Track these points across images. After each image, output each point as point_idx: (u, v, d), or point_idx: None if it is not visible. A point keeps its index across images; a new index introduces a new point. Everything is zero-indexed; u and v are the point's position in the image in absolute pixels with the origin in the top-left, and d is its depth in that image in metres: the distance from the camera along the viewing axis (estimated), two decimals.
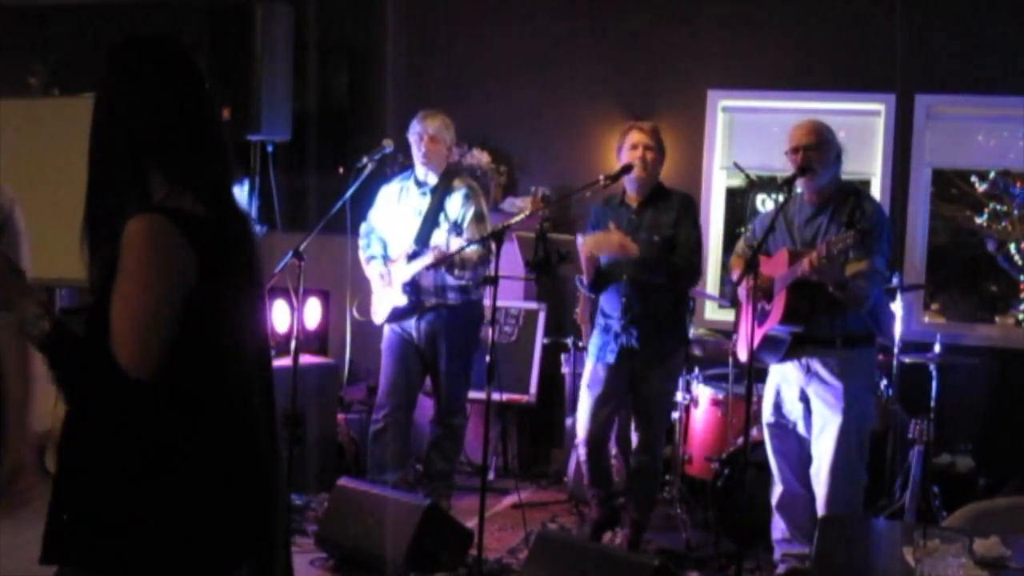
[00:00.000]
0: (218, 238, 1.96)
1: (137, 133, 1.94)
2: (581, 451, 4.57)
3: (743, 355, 4.27)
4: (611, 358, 4.40)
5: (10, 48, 6.88)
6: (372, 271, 4.96)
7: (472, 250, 4.68)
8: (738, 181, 6.40)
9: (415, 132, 4.85)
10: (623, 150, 4.43)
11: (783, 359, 4.14)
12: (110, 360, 1.83)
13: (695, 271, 4.43)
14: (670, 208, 4.41)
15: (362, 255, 5.03)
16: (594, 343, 4.48)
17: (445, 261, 4.62)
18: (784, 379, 4.20)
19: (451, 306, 4.84)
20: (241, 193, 2.06)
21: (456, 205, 4.81)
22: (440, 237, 4.76)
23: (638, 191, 4.45)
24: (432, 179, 4.87)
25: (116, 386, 1.84)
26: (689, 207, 4.47)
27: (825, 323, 4.00)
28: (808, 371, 4.09)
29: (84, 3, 6.75)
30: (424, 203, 4.86)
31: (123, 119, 1.94)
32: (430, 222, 4.82)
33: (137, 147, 1.94)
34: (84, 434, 1.90)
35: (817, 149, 4.03)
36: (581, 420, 4.52)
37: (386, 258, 4.95)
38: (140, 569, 1.88)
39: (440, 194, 4.84)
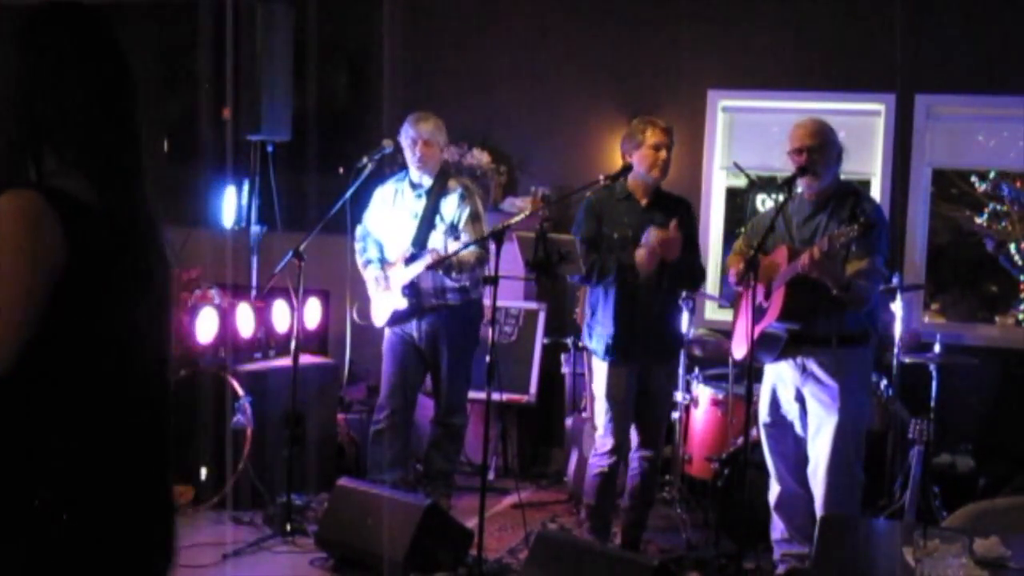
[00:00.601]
0: (102, 229, 1.76)
1: (35, 111, 1.76)
2: (604, 463, 4.32)
3: (738, 353, 4.26)
4: (623, 359, 4.30)
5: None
6: (369, 275, 4.96)
7: (469, 252, 4.67)
8: (738, 181, 6.40)
9: (408, 136, 4.82)
10: (641, 148, 4.25)
11: (778, 358, 4.14)
12: None
13: (705, 275, 4.71)
14: (676, 212, 4.33)
15: (359, 259, 5.03)
16: (602, 345, 4.32)
17: (442, 264, 4.62)
18: (780, 379, 4.20)
19: (451, 307, 4.84)
20: (144, 187, 1.89)
21: (452, 206, 4.81)
22: (437, 239, 4.76)
23: (647, 190, 4.34)
24: (427, 181, 4.87)
25: None
26: (692, 212, 4.52)
27: (822, 322, 4.00)
28: (804, 370, 4.08)
29: (83, 3, 6.74)
30: (419, 205, 4.86)
31: (22, 94, 1.77)
32: (426, 224, 4.82)
33: (34, 126, 1.76)
34: None
35: (820, 151, 4.03)
36: (606, 429, 4.31)
37: (383, 261, 4.95)
38: None
39: (435, 196, 4.84)
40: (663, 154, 4.25)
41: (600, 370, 4.35)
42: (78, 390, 1.74)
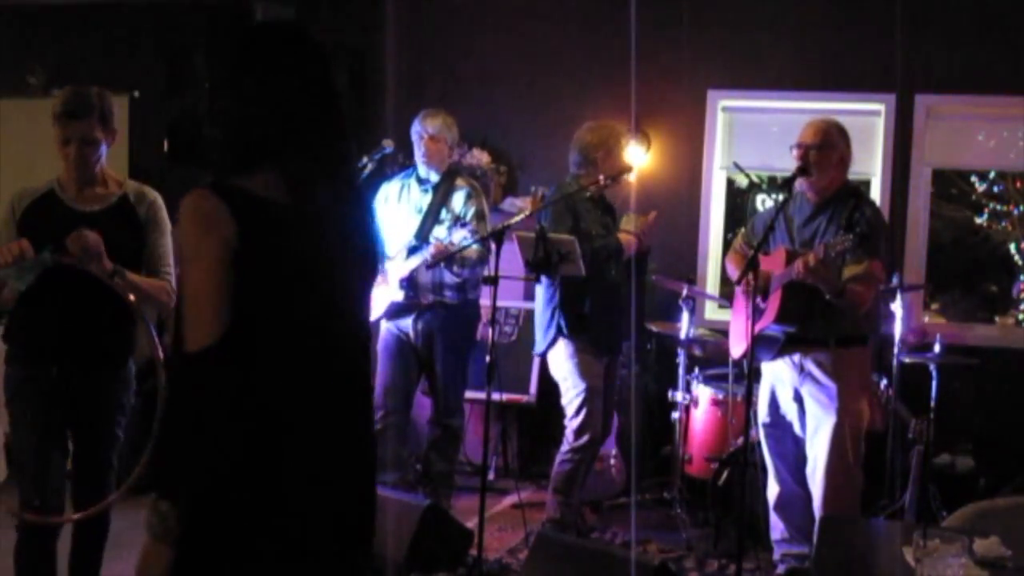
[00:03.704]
0: (278, 221, 1.93)
1: (243, 121, 1.97)
2: (582, 454, 4.52)
3: (735, 352, 4.29)
4: (605, 353, 4.50)
5: (10, 48, 6.88)
6: None
7: (472, 248, 4.68)
8: (739, 181, 6.40)
9: (416, 132, 4.88)
10: (613, 155, 4.57)
11: (776, 356, 4.14)
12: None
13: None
14: (614, 212, 4.71)
15: None
16: (592, 338, 4.46)
17: (445, 256, 4.63)
18: (778, 379, 4.20)
19: (448, 305, 4.84)
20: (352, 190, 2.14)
21: (458, 204, 4.83)
22: (440, 234, 4.77)
23: (599, 191, 4.60)
24: (434, 177, 4.89)
25: (183, 362, 1.86)
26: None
27: (819, 324, 4.00)
28: (802, 371, 4.08)
29: (84, 3, 6.75)
30: (425, 200, 4.87)
31: (233, 106, 1.98)
32: (432, 218, 4.83)
33: (242, 133, 1.96)
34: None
35: (819, 150, 4.02)
36: (594, 423, 4.48)
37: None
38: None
39: (443, 192, 4.86)
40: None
41: (591, 361, 4.47)
42: (256, 375, 1.90)
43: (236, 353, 1.85)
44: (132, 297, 3.02)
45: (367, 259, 2.13)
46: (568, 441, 4.51)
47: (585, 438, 4.48)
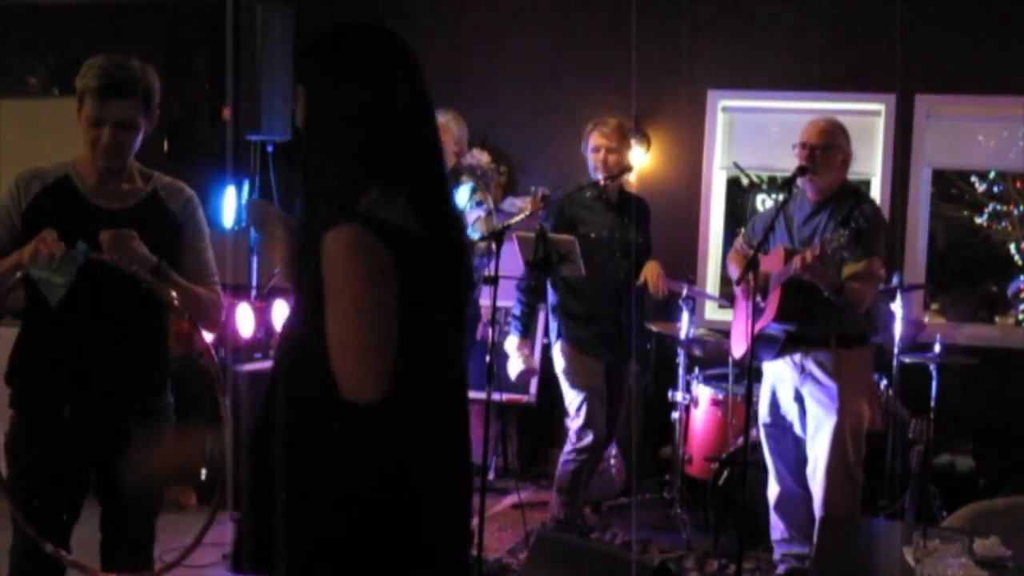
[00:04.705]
0: (425, 254, 1.76)
1: (362, 143, 1.76)
2: (586, 455, 4.52)
3: (737, 352, 4.29)
4: (605, 353, 4.50)
5: (10, 48, 6.88)
6: None
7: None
8: (739, 180, 6.40)
9: None
10: (588, 150, 4.54)
11: (777, 356, 4.14)
12: (321, 379, 1.68)
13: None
14: (639, 211, 4.64)
15: None
16: (591, 341, 4.48)
17: None
18: (779, 379, 4.20)
19: None
20: (453, 204, 1.96)
21: (462, 198, 4.86)
22: None
23: (613, 190, 4.59)
24: None
25: (332, 409, 1.68)
26: (648, 210, 4.75)
27: (819, 323, 4.00)
28: (803, 371, 4.08)
29: (84, 3, 6.75)
30: None
31: (347, 127, 1.76)
32: None
33: (361, 158, 1.75)
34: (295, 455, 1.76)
35: (824, 151, 4.02)
36: (595, 423, 4.47)
37: None
38: None
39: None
40: (602, 155, 4.49)
41: (588, 363, 4.49)
42: (410, 406, 1.75)
43: (402, 402, 1.70)
44: (175, 301, 2.51)
45: (470, 284, 2.00)
46: (571, 441, 4.52)
47: (588, 439, 4.47)
